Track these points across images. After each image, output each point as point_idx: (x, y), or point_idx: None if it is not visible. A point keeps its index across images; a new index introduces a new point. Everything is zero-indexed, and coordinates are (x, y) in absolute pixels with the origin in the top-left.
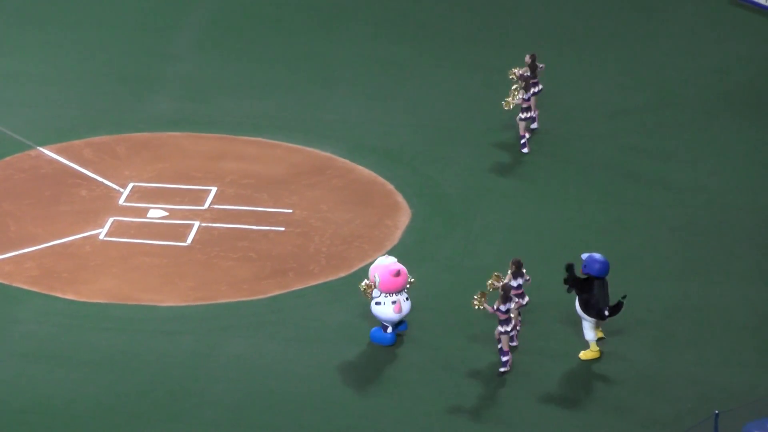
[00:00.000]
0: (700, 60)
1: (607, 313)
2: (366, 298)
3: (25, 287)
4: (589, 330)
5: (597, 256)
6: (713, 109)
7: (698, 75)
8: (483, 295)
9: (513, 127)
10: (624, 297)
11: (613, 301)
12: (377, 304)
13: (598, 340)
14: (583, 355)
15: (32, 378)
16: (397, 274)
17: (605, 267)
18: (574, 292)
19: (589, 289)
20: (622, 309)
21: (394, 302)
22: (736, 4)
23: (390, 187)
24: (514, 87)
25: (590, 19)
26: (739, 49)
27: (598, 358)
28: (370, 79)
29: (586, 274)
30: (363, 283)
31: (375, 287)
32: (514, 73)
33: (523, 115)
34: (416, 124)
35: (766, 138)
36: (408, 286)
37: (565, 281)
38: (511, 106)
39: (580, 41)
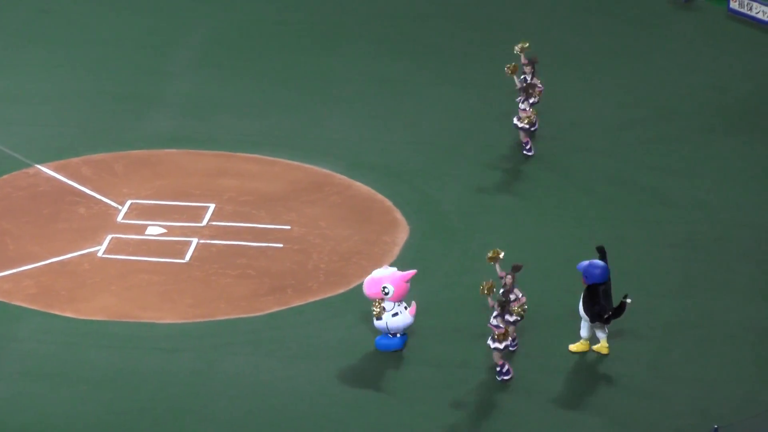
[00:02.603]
0: (699, 75)
1: (607, 316)
2: (378, 315)
3: (24, 305)
4: (587, 329)
5: (595, 262)
6: (712, 125)
7: (697, 90)
8: (491, 286)
9: (512, 143)
10: (626, 297)
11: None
12: (395, 315)
13: (603, 355)
14: (573, 347)
15: (31, 396)
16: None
17: (605, 271)
18: (583, 296)
19: (597, 297)
20: (626, 310)
21: (407, 307)
22: (733, 19)
23: (389, 203)
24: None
25: (588, 36)
26: (737, 64)
27: (586, 352)
28: (368, 97)
29: (589, 284)
30: (377, 305)
31: (385, 300)
32: (511, 67)
33: (520, 124)
34: (415, 141)
35: (765, 153)
36: None
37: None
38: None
39: (578, 58)
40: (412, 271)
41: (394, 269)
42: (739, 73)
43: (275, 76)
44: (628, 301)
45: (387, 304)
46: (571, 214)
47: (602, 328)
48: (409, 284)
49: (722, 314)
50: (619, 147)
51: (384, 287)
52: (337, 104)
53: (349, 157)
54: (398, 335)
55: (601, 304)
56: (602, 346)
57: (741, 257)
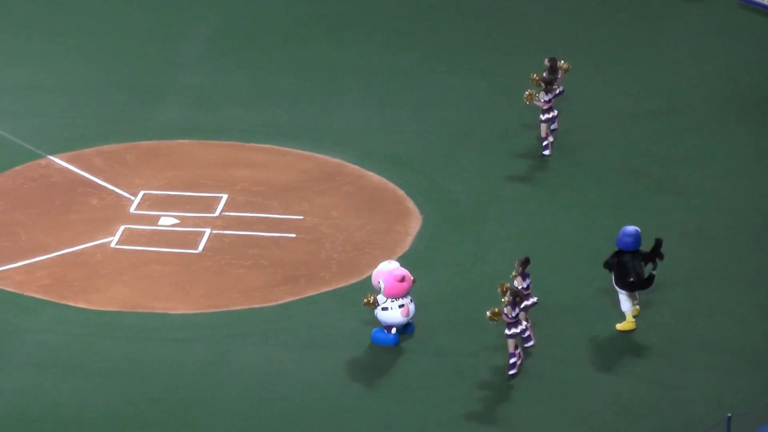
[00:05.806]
0: (710, 64)
1: (631, 280)
2: (370, 308)
3: (37, 296)
4: (625, 302)
5: (629, 230)
6: (723, 114)
7: (707, 79)
8: (497, 314)
9: (523, 132)
10: (654, 267)
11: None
12: (384, 309)
13: (634, 316)
14: (620, 326)
15: (44, 387)
16: (402, 279)
17: (635, 240)
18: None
19: (620, 261)
20: (653, 282)
21: (401, 306)
22: (744, 8)
23: (400, 193)
24: (528, 92)
25: (599, 26)
26: (748, 52)
27: (634, 329)
28: (379, 86)
29: (618, 248)
30: (370, 297)
31: (380, 293)
32: (535, 79)
33: (544, 116)
34: (426, 130)
35: None
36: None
37: (605, 265)
38: (533, 101)
39: (588, 48)
40: (401, 273)
41: (396, 264)
42: (751, 63)
43: (285, 67)
44: (654, 273)
45: (380, 298)
46: (582, 203)
47: (628, 301)
48: (403, 284)
49: (733, 303)
50: (630, 137)
51: (379, 281)
52: (348, 94)
53: (361, 147)
54: (393, 331)
55: (626, 269)
56: (628, 322)
57: (752, 246)
